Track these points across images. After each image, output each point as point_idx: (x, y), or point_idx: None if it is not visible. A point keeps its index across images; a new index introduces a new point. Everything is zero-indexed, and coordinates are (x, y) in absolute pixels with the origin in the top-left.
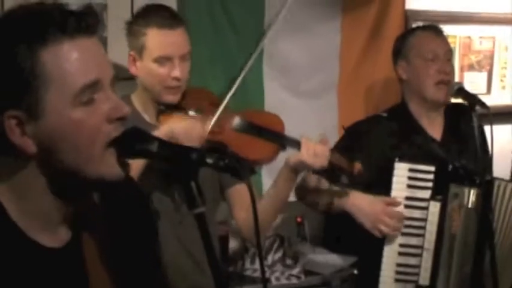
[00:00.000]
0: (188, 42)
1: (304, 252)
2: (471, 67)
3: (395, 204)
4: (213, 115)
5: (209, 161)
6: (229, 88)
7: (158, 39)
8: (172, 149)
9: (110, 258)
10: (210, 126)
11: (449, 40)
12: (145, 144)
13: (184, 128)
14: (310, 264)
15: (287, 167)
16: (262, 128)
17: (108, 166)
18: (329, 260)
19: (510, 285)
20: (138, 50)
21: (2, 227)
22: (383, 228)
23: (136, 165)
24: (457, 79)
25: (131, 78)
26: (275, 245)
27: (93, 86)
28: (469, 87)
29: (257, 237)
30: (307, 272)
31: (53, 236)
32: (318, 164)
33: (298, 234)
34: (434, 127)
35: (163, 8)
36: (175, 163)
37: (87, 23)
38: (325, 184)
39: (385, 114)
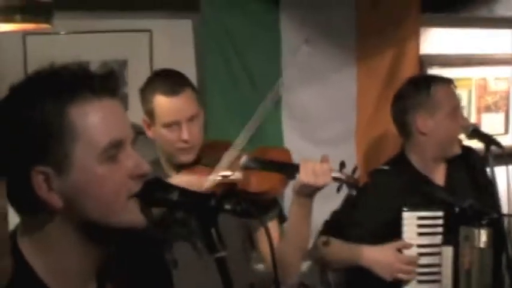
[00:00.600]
0: (195, 103)
1: None
2: (488, 108)
3: (407, 247)
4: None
5: (227, 207)
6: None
7: (164, 106)
8: (191, 197)
9: None
10: (210, 183)
11: (465, 82)
12: (166, 193)
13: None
14: None
15: (295, 193)
16: (265, 161)
17: (131, 215)
18: None
19: None
20: (149, 116)
21: (29, 285)
22: (401, 275)
23: None
24: (474, 121)
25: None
26: None
27: (118, 144)
28: (486, 128)
29: (275, 275)
30: None
31: None
32: (320, 182)
33: (321, 281)
34: (437, 173)
35: (167, 74)
36: (195, 211)
37: (111, 84)
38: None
39: (386, 167)
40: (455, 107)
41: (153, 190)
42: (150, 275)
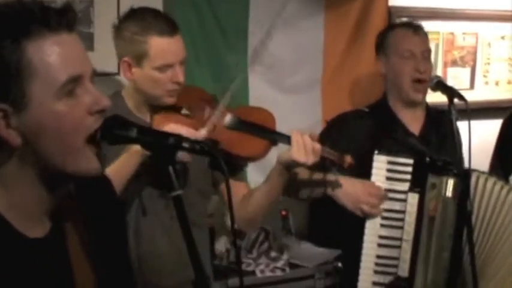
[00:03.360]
0: (184, 46)
1: (289, 245)
2: (454, 63)
3: (375, 188)
4: (203, 111)
5: (185, 145)
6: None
7: (161, 48)
8: (150, 135)
9: (89, 248)
10: (206, 131)
11: (433, 36)
12: (126, 130)
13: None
14: (295, 257)
15: (280, 164)
16: (253, 124)
17: (87, 160)
18: (313, 253)
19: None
20: (136, 57)
21: None
22: (364, 207)
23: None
24: (440, 75)
25: (116, 73)
26: (260, 238)
27: (76, 80)
28: (452, 82)
29: (233, 229)
30: (292, 265)
31: (35, 226)
32: (310, 161)
33: (283, 228)
34: (413, 122)
35: (159, 14)
36: (154, 148)
37: (68, 19)
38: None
39: (366, 110)
40: (410, 51)
41: (112, 127)
42: (107, 219)
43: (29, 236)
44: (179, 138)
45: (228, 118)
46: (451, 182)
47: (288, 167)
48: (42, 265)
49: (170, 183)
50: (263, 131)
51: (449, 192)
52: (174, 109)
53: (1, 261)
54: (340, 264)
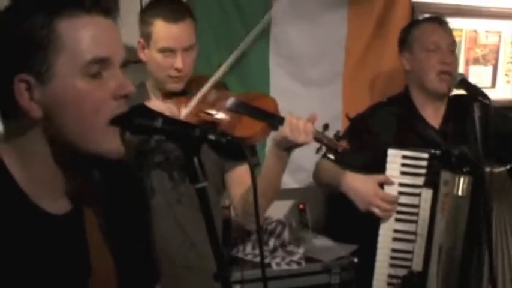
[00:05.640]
0: (193, 34)
1: (306, 239)
2: (476, 61)
3: (389, 182)
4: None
5: (211, 137)
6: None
7: (163, 31)
8: (176, 126)
9: (107, 231)
10: (189, 109)
11: (455, 33)
12: (151, 120)
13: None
14: (311, 251)
15: (274, 144)
16: (252, 107)
17: (110, 143)
18: (330, 247)
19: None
20: (146, 38)
21: (8, 192)
22: (375, 210)
23: None
24: (462, 72)
25: (139, 61)
26: (277, 231)
27: (103, 62)
28: (474, 81)
29: (256, 216)
30: (308, 259)
31: (55, 204)
32: (301, 140)
33: (300, 221)
34: (434, 115)
35: (175, 1)
36: (179, 139)
37: (105, 4)
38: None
39: (385, 100)
40: (436, 44)
41: (137, 116)
42: (129, 204)
43: (48, 210)
44: (205, 130)
45: (230, 100)
46: (463, 180)
47: (282, 146)
48: (58, 241)
49: (194, 175)
50: (260, 112)
51: (461, 191)
52: (185, 95)
53: (15, 232)
54: (356, 260)
